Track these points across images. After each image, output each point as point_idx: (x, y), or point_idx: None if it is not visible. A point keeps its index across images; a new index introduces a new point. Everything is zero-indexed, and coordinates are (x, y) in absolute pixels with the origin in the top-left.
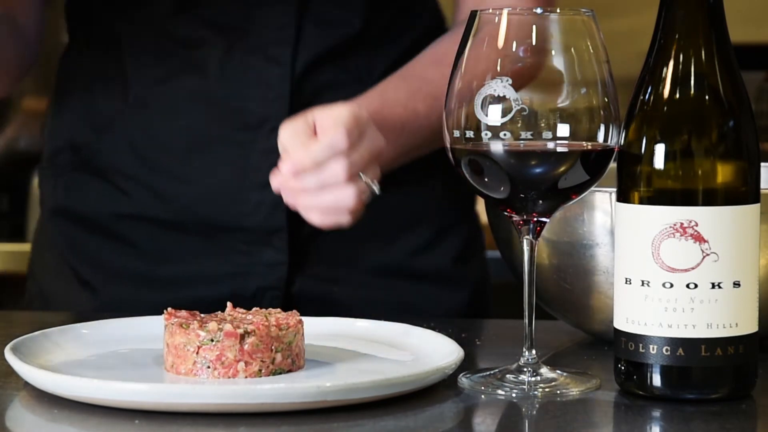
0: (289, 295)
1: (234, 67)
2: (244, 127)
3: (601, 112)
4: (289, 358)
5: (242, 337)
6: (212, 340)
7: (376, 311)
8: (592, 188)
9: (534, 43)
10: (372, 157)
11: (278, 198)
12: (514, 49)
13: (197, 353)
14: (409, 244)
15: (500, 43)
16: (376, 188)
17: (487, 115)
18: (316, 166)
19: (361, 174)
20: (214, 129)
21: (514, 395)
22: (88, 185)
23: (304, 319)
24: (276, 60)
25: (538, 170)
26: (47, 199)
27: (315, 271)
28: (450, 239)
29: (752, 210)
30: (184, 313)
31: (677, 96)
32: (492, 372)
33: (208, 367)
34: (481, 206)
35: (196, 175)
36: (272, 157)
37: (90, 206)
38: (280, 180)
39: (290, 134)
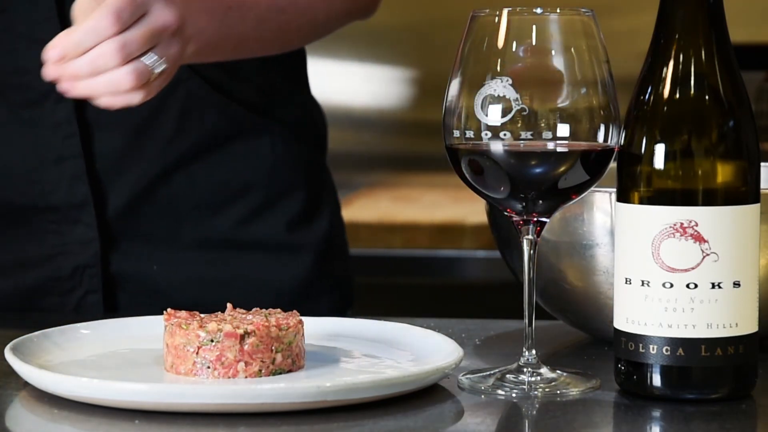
0: (108, 274)
1: (7, 43)
2: (26, 103)
3: (601, 112)
4: (289, 358)
5: (242, 338)
6: (212, 341)
7: (201, 289)
8: (592, 188)
9: (534, 43)
10: (154, 35)
11: (77, 171)
12: (514, 49)
13: (197, 353)
14: (235, 214)
15: (500, 43)
16: (160, 67)
17: (487, 115)
18: (81, 51)
19: (147, 54)
20: None
21: (514, 395)
22: None
23: (304, 319)
24: (46, 28)
25: (538, 170)
26: None
27: (131, 247)
28: (283, 205)
29: (752, 210)
30: (183, 313)
31: (677, 96)
32: (492, 372)
33: (208, 367)
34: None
35: None
36: (62, 129)
37: None
38: (52, 68)
39: (78, 11)
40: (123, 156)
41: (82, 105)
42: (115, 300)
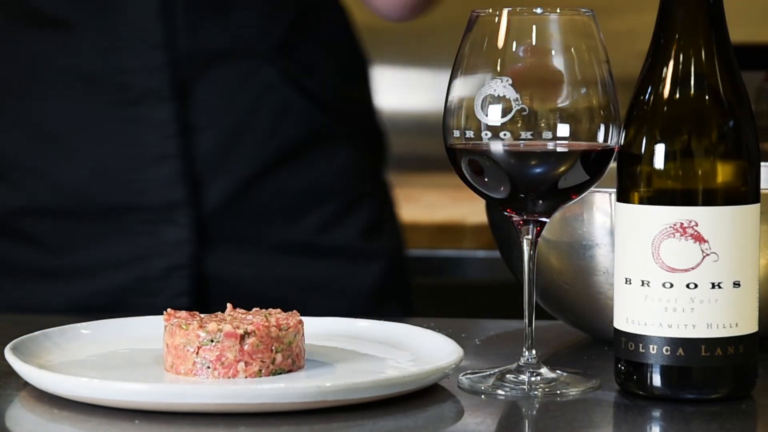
0: (200, 274)
1: (107, 43)
2: (127, 102)
3: (601, 112)
4: (289, 358)
5: (242, 338)
6: (212, 341)
7: (283, 291)
8: (592, 188)
9: (534, 43)
10: None
11: (175, 171)
12: (514, 49)
13: (197, 354)
14: (316, 219)
15: (500, 43)
16: None
17: (487, 115)
18: None
19: None
20: (97, 108)
21: (514, 395)
22: None
23: (304, 319)
24: (150, 30)
25: (538, 170)
26: None
27: (222, 248)
28: (357, 213)
29: (752, 210)
30: (183, 313)
31: (677, 96)
32: (492, 372)
33: (208, 367)
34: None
35: (84, 157)
36: (161, 129)
37: None
38: None
39: None
40: (218, 158)
41: (182, 105)
42: (204, 301)
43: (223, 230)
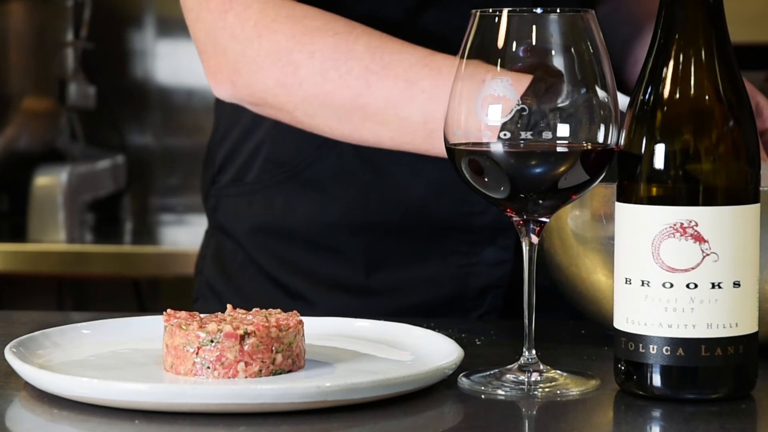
0: (513, 292)
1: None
2: None
3: (601, 112)
4: (289, 358)
5: (242, 338)
6: (212, 341)
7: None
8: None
9: (534, 43)
10: None
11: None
12: (514, 49)
13: (197, 354)
14: None
15: (500, 43)
16: None
17: (487, 115)
18: None
19: None
20: None
21: (514, 395)
22: (293, 199)
23: (304, 319)
24: None
25: (538, 170)
26: (237, 218)
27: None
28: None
29: (752, 210)
30: (183, 314)
31: (677, 96)
32: (492, 372)
33: (208, 367)
34: None
35: (423, 176)
36: None
37: (299, 219)
38: None
39: None
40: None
41: None
42: (511, 314)
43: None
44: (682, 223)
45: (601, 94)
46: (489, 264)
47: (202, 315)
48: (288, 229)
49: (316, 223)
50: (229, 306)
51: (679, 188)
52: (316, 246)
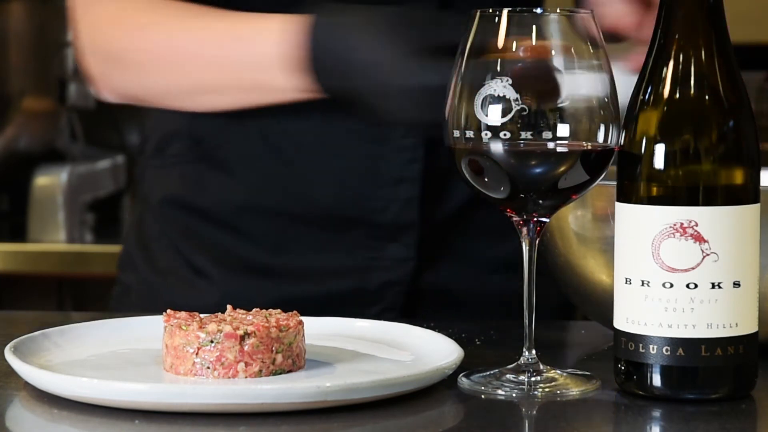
0: (415, 290)
1: None
2: (378, 121)
3: (601, 112)
4: (289, 358)
5: (242, 338)
6: (212, 342)
7: (490, 306)
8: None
9: (534, 43)
10: None
11: (412, 194)
12: (514, 49)
13: (197, 354)
14: (515, 240)
15: (500, 43)
16: None
17: (487, 115)
18: None
19: None
20: (348, 124)
21: (514, 395)
22: (205, 176)
23: (304, 319)
24: None
25: (538, 170)
26: (155, 188)
27: (440, 265)
28: None
29: (752, 210)
30: (183, 314)
31: (677, 96)
32: (492, 372)
33: (208, 368)
34: None
35: (328, 169)
36: (408, 152)
37: (208, 197)
38: None
39: None
40: (448, 180)
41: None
42: (411, 313)
43: (444, 248)
44: (682, 223)
45: (601, 94)
46: (392, 260)
47: (202, 315)
48: (197, 206)
49: (223, 203)
50: (229, 306)
51: (679, 188)
52: (222, 225)
